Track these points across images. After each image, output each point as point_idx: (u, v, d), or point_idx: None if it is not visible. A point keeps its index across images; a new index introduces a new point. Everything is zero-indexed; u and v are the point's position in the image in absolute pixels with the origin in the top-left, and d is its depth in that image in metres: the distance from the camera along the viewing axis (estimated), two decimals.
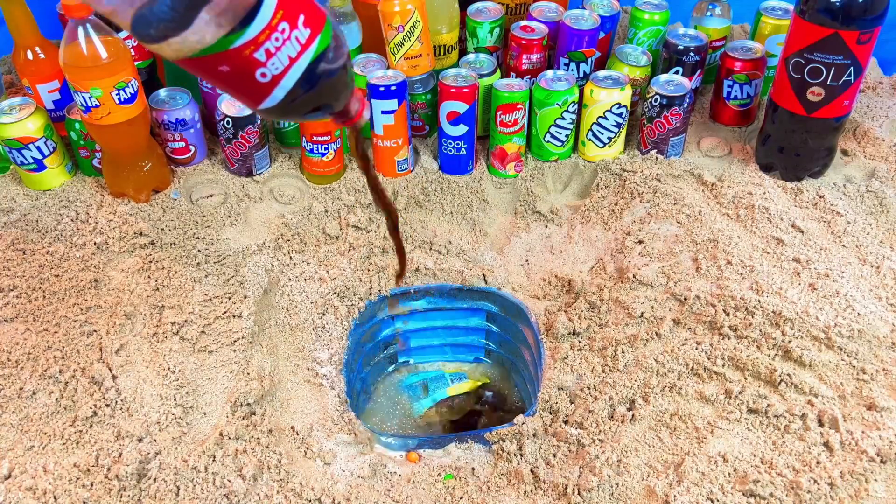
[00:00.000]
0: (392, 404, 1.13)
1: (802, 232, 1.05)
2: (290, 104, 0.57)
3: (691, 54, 1.18)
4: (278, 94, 0.55)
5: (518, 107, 1.10)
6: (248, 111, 1.09)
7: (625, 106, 1.12)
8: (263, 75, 0.54)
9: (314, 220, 1.11)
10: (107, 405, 0.87)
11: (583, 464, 0.82)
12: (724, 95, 1.21)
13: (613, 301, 0.99)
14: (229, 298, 0.99)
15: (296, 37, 0.54)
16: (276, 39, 0.53)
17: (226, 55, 0.51)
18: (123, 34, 1.12)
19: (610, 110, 1.12)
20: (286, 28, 0.53)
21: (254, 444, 0.85)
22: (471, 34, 1.22)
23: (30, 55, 1.10)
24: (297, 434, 0.88)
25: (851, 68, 1.00)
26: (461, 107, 1.09)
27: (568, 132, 1.15)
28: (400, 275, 0.85)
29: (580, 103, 1.14)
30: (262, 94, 0.55)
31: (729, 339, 0.91)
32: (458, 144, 1.13)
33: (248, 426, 0.87)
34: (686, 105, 1.12)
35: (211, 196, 1.13)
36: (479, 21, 1.20)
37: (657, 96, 1.11)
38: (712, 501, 0.77)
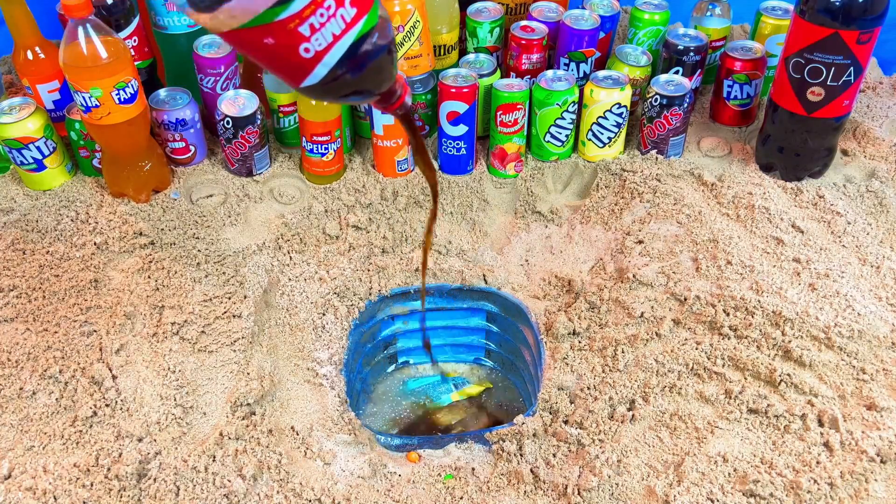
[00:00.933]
0: (392, 404, 1.13)
1: (802, 232, 1.05)
2: (331, 83, 0.58)
3: (691, 54, 1.18)
4: (320, 71, 0.57)
5: (518, 107, 1.10)
6: (248, 111, 1.09)
7: (625, 106, 1.12)
8: (307, 50, 0.55)
9: (314, 220, 1.11)
10: (107, 405, 0.87)
11: (583, 464, 0.82)
12: (724, 95, 1.21)
13: (613, 301, 0.99)
14: (229, 298, 0.99)
15: (341, 14, 0.55)
16: (321, 15, 0.54)
17: (271, 27, 0.53)
18: (123, 34, 1.13)
19: (610, 110, 1.12)
20: (332, 5, 0.55)
21: (254, 444, 0.85)
22: (471, 34, 1.22)
23: (30, 55, 1.10)
24: (297, 434, 0.88)
25: (851, 68, 1.00)
26: (461, 107, 1.09)
27: (568, 132, 1.15)
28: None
29: (580, 103, 1.14)
30: (304, 71, 0.57)
31: (729, 339, 0.91)
32: (458, 144, 1.13)
33: (248, 426, 0.87)
34: (686, 105, 1.12)
35: (211, 196, 1.13)
36: (479, 21, 1.20)
37: (657, 96, 1.11)
38: (712, 501, 0.77)
